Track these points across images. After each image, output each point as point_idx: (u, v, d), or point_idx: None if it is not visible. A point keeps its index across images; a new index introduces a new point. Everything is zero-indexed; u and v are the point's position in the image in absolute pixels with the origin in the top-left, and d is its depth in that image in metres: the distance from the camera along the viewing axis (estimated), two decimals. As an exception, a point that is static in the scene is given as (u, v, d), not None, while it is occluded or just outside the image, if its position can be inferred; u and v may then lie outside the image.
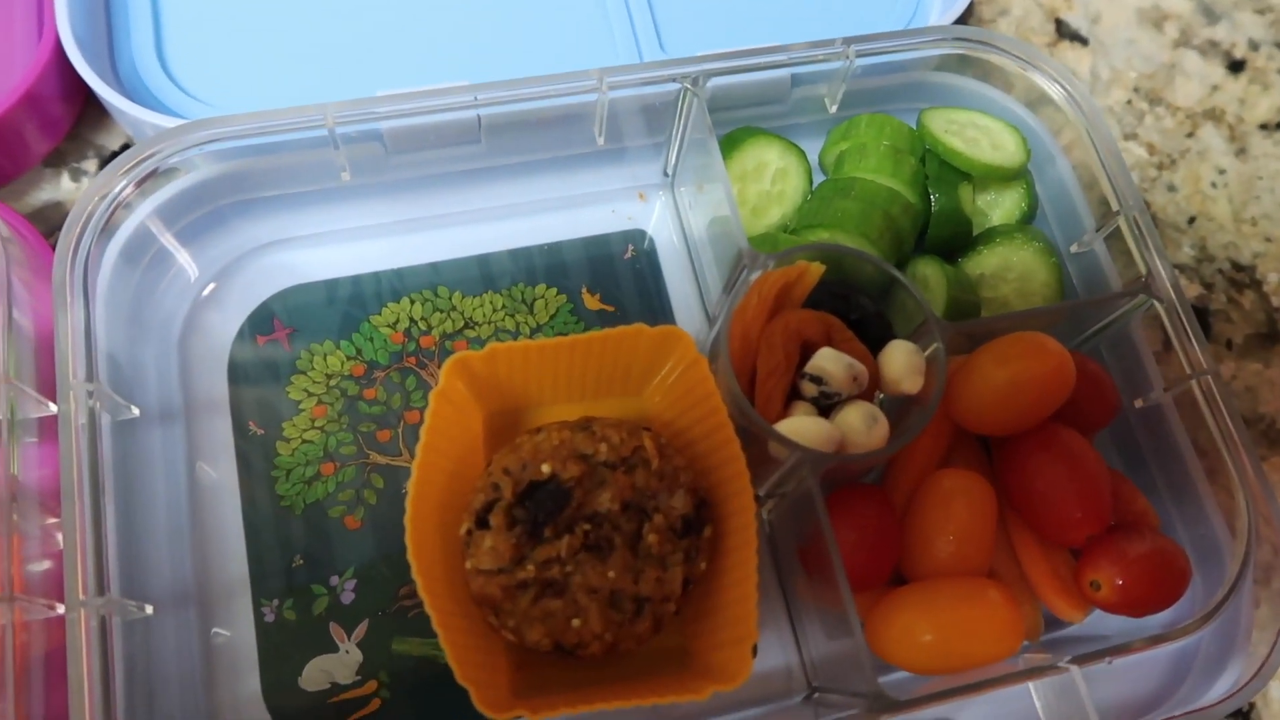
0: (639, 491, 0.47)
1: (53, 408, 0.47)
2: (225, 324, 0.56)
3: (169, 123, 0.55)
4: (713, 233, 0.56)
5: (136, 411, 0.48)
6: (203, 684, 0.48)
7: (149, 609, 0.45)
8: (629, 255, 0.61)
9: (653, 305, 0.60)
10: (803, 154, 0.60)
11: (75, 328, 0.45)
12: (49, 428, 0.47)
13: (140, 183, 0.48)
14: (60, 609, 0.44)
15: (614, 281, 0.60)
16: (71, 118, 0.60)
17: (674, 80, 0.55)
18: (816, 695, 0.50)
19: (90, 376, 0.44)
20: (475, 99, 0.54)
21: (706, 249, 0.58)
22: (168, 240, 0.52)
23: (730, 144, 0.59)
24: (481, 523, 0.46)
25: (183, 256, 0.54)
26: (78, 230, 0.46)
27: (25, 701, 0.39)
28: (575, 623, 0.45)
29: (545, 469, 0.47)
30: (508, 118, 0.56)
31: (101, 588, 0.41)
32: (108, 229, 0.48)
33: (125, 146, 0.61)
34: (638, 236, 0.61)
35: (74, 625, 0.40)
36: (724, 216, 0.53)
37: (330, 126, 0.51)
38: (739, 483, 0.47)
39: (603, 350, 0.51)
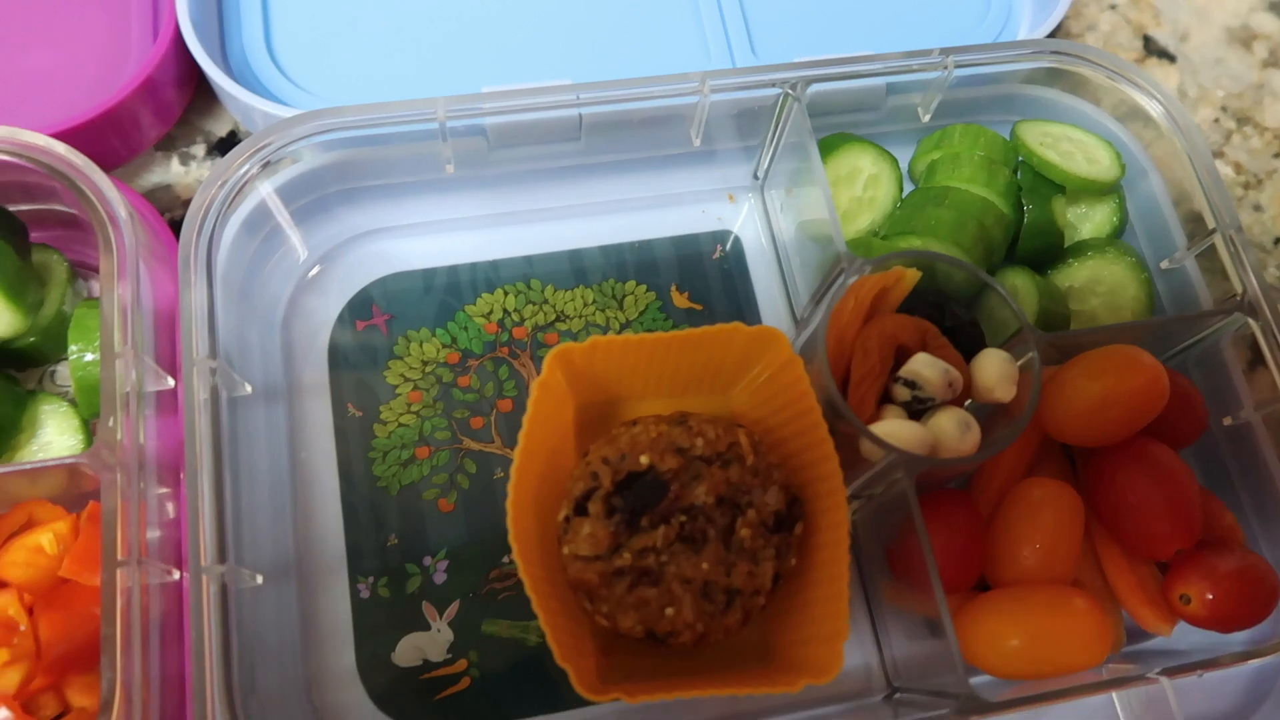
0: (733, 486, 0.48)
1: (170, 382, 0.49)
2: (326, 308, 0.58)
3: (280, 110, 0.57)
4: (806, 236, 0.57)
5: (249, 389, 0.50)
6: (301, 655, 0.50)
7: (259, 579, 0.46)
8: (717, 255, 0.62)
9: (739, 305, 0.61)
10: (895, 161, 0.60)
11: (199, 306, 0.46)
12: (165, 401, 0.49)
13: (263, 167, 0.50)
14: (175, 574, 0.46)
15: (702, 280, 0.61)
16: (183, 104, 0.62)
17: (774, 85, 0.56)
18: (898, 695, 0.51)
19: (212, 353, 0.46)
20: (578, 98, 0.55)
21: (797, 252, 0.59)
22: (284, 220, 0.54)
23: (824, 149, 0.60)
24: (580, 510, 0.47)
25: (294, 238, 0.56)
26: (203, 211, 0.48)
27: (146, 662, 0.41)
28: (669, 611, 0.46)
29: (644, 460, 0.48)
30: (608, 117, 0.57)
31: (222, 555, 0.43)
32: (226, 212, 0.49)
33: (232, 133, 0.63)
34: (726, 237, 0.62)
35: (198, 589, 0.42)
36: (820, 220, 0.54)
37: (441, 120, 0.52)
38: (831, 482, 0.48)
39: (698, 347, 0.51)
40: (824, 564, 0.48)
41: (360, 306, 0.58)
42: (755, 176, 0.63)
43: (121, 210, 0.48)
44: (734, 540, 0.48)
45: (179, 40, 0.58)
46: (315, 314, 0.57)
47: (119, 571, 0.42)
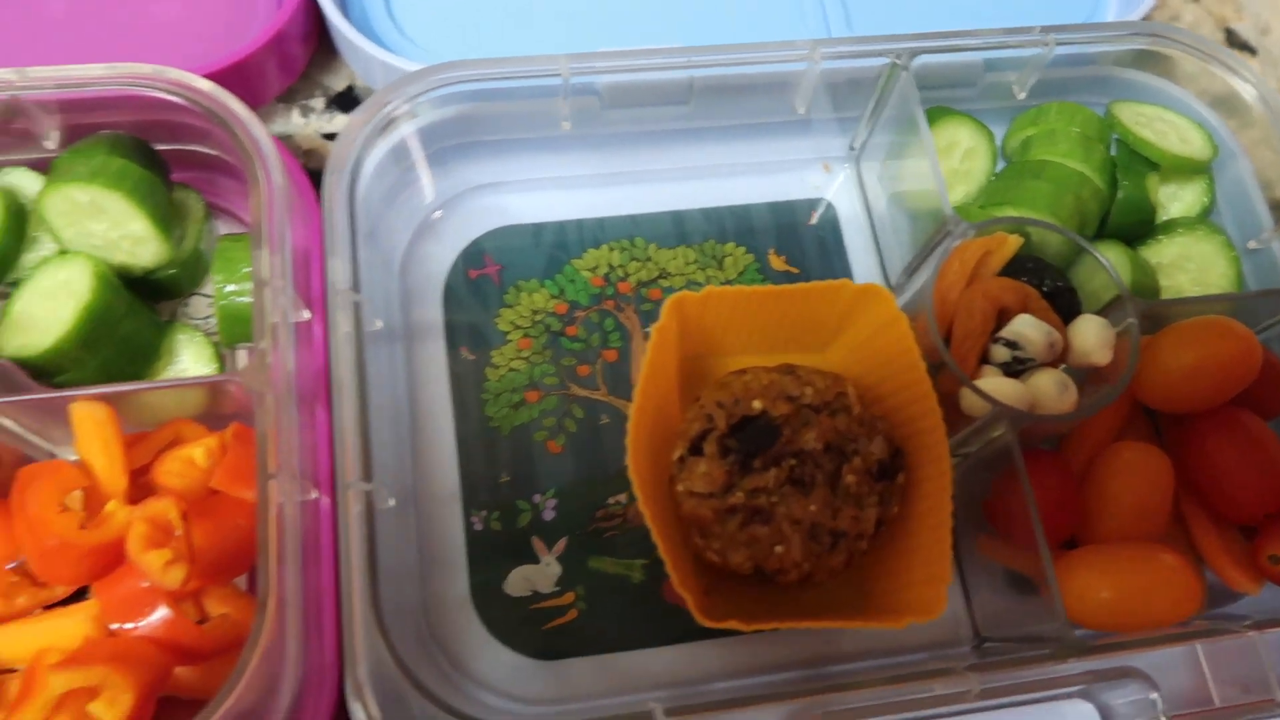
0: (840, 434, 0.50)
1: (305, 314, 0.51)
2: (441, 256, 0.60)
3: (405, 64, 0.59)
4: (908, 203, 0.59)
5: (380, 325, 0.52)
6: (419, 580, 0.52)
7: (392, 501, 0.49)
8: (813, 221, 0.64)
9: (834, 269, 0.63)
10: (991, 135, 0.62)
11: (342, 243, 0.49)
12: (300, 333, 0.51)
13: (391, 119, 0.52)
14: (314, 494, 0.48)
15: (798, 245, 0.63)
16: (306, 59, 0.64)
17: (882, 55, 0.58)
18: (987, 644, 0.53)
19: (355, 286, 0.49)
20: (691, 60, 0.57)
21: (895, 219, 0.61)
22: (420, 161, 0.56)
23: (911, 122, 0.61)
24: (695, 449, 0.50)
25: (424, 182, 0.58)
26: (349, 152, 0.50)
27: (293, 573, 0.44)
28: (778, 549, 0.49)
29: (757, 405, 0.50)
30: (717, 81, 0.59)
31: (367, 474, 0.45)
32: (364, 155, 0.52)
33: (350, 88, 0.66)
34: (820, 204, 0.64)
35: (344, 505, 0.44)
36: (925, 188, 0.56)
37: (565, 76, 0.55)
38: (935, 435, 0.50)
39: (805, 301, 0.54)
40: (925, 513, 0.50)
41: (473, 256, 0.60)
42: (851, 147, 0.65)
43: (270, 149, 0.50)
44: (840, 486, 0.50)
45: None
46: (431, 260, 0.60)
47: (270, 483, 0.44)
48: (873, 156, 0.63)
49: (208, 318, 0.57)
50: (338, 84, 0.66)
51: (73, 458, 0.50)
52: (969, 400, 0.51)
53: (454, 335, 0.58)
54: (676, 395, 0.55)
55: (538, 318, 0.59)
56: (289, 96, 0.65)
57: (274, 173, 0.50)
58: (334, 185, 0.50)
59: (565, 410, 0.58)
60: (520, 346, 0.59)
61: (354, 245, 0.49)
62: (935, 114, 0.62)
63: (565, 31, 0.66)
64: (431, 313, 0.59)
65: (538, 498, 0.55)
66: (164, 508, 0.44)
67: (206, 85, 0.51)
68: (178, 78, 0.51)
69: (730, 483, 0.49)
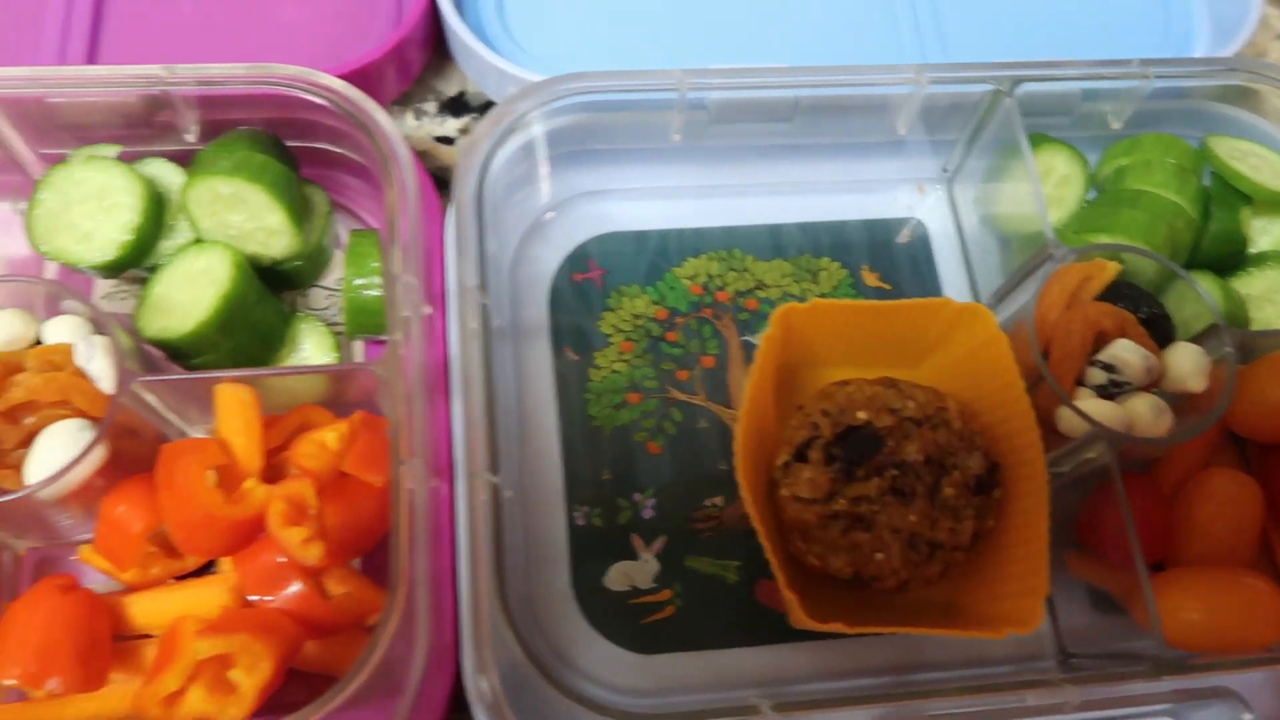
0: (940, 448, 0.52)
1: (427, 309, 0.53)
2: (548, 258, 0.62)
3: (522, 73, 0.62)
4: (1005, 226, 0.61)
5: (498, 322, 0.54)
6: (524, 570, 0.54)
7: (509, 493, 0.51)
8: (905, 240, 0.66)
9: (925, 286, 0.64)
10: (1085, 163, 0.64)
11: (471, 243, 0.51)
12: (424, 327, 0.53)
13: (513, 123, 0.55)
14: (435, 482, 0.50)
15: (891, 262, 0.65)
16: (422, 65, 0.67)
17: (986, 82, 0.59)
18: (1073, 660, 0.55)
19: (482, 284, 0.51)
20: (799, 80, 0.59)
21: (984, 241, 0.63)
22: (538, 168, 0.59)
23: (1011, 148, 0.63)
24: (800, 456, 0.52)
25: (536, 188, 0.60)
26: (479, 156, 0.53)
27: (422, 556, 0.46)
28: (878, 556, 0.50)
29: (861, 416, 0.52)
30: (822, 100, 0.61)
31: (493, 466, 0.47)
32: (491, 159, 0.54)
33: (461, 93, 0.68)
34: (913, 224, 0.66)
35: (472, 494, 0.46)
36: (1026, 214, 0.57)
37: (682, 91, 0.57)
38: (1032, 452, 0.52)
39: (906, 317, 0.55)
40: (1020, 527, 0.52)
41: (578, 260, 0.62)
42: (944, 169, 0.67)
43: (403, 149, 0.52)
44: (939, 498, 0.51)
45: (431, 5, 0.63)
46: (539, 262, 0.62)
47: (402, 469, 0.46)
48: (967, 179, 0.65)
49: (326, 308, 0.59)
50: (449, 89, 0.68)
51: (198, 435, 0.53)
52: (1066, 420, 0.53)
53: (559, 335, 0.60)
54: (773, 402, 0.57)
55: (639, 322, 0.61)
56: (403, 100, 0.67)
57: (407, 173, 0.52)
58: (463, 187, 0.52)
59: (665, 413, 0.59)
60: (622, 349, 0.61)
61: (481, 246, 0.51)
62: (1032, 140, 0.63)
63: (663, 43, 0.68)
64: (538, 313, 0.61)
65: (637, 496, 0.57)
66: (302, 488, 0.46)
67: (347, 88, 0.53)
68: (320, 79, 0.53)
69: (833, 490, 0.51)
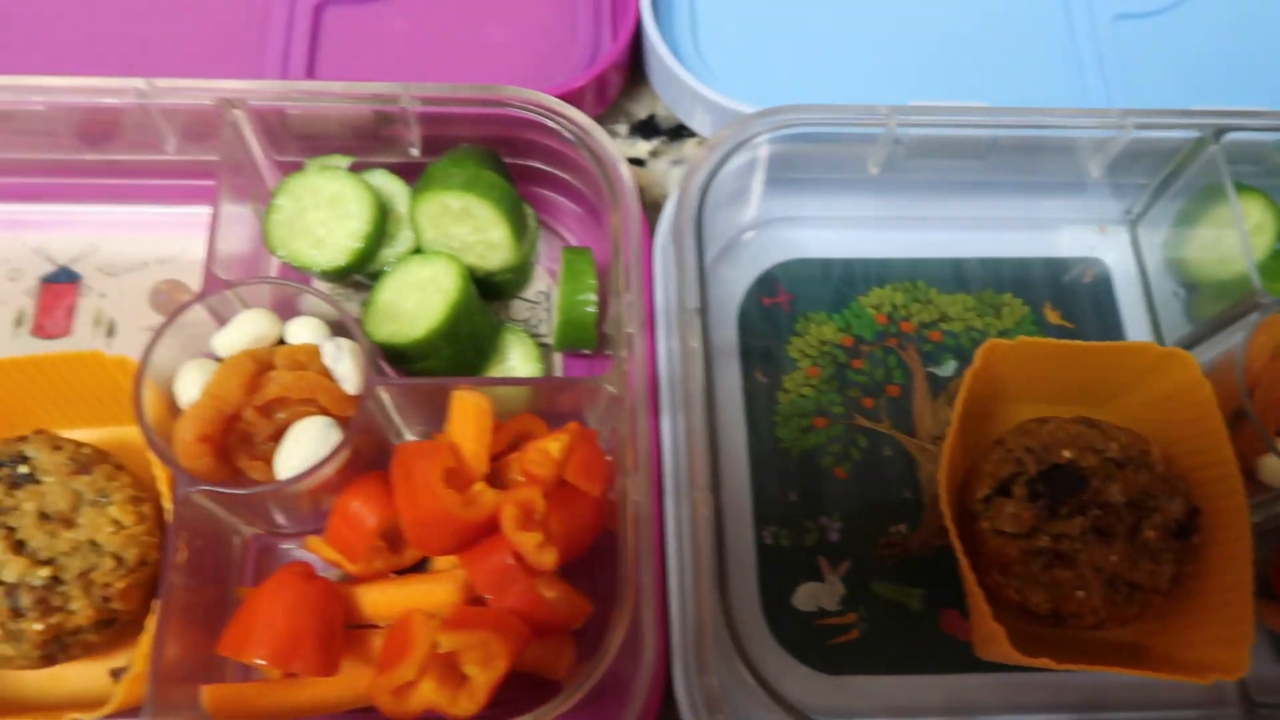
0: (1142, 490, 0.52)
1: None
2: (738, 281, 0.64)
3: (724, 101, 0.64)
4: (1197, 272, 0.61)
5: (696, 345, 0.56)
6: (716, 584, 0.56)
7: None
8: (1088, 280, 0.66)
9: (1107, 327, 0.65)
10: (1278, 211, 0.64)
11: (691, 266, 0.53)
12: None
13: (731, 152, 0.56)
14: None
15: (1073, 301, 0.65)
16: (620, 88, 0.69)
17: (1192, 129, 0.60)
18: (1260, 710, 0.55)
19: (701, 307, 0.52)
20: (999, 120, 0.60)
21: (1171, 285, 0.63)
22: (742, 194, 0.60)
23: (1210, 195, 0.63)
24: (1003, 490, 0.52)
25: (735, 213, 0.62)
26: (702, 179, 0.55)
27: (644, 565, 0.47)
28: (1079, 594, 0.51)
29: (1066, 454, 0.52)
30: (1019, 140, 0.62)
31: (714, 482, 0.49)
32: (708, 186, 0.56)
33: (651, 116, 0.70)
34: (1095, 264, 0.67)
35: (696, 508, 0.48)
36: (1225, 260, 0.58)
37: (890, 128, 0.58)
38: (1234, 500, 0.52)
39: (1107, 359, 0.56)
40: (1220, 573, 0.52)
41: (766, 284, 0.64)
42: (1128, 212, 0.67)
43: (628, 173, 0.54)
44: (1139, 539, 0.52)
45: (637, 31, 0.65)
46: (728, 284, 0.64)
47: (628, 481, 0.48)
48: (1155, 223, 0.65)
49: (526, 319, 0.62)
50: (640, 111, 0.70)
51: (412, 438, 0.55)
52: (1269, 469, 0.53)
53: (748, 358, 0.62)
54: (947, 438, 0.58)
55: (825, 348, 0.63)
56: (597, 121, 0.69)
57: (631, 197, 0.54)
58: (685, 210, 0.54)
59: (850, 439, 0.61)
60: (809, 374, 0.62)
61: (702, 269, 0.53)
62: (1219, 186, 0.63)
63: (845, 74, 0.69)
64: (728, 334, 0.62)
65: (824, 519, 0.59)
66: (533, 494, 0.49)
67: (575, 112, 0.55)
68: (549, 102, 0.55)
69: (1036, 525, 0.52)
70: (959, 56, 0.71)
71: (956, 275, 0.66)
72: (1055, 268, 0.67)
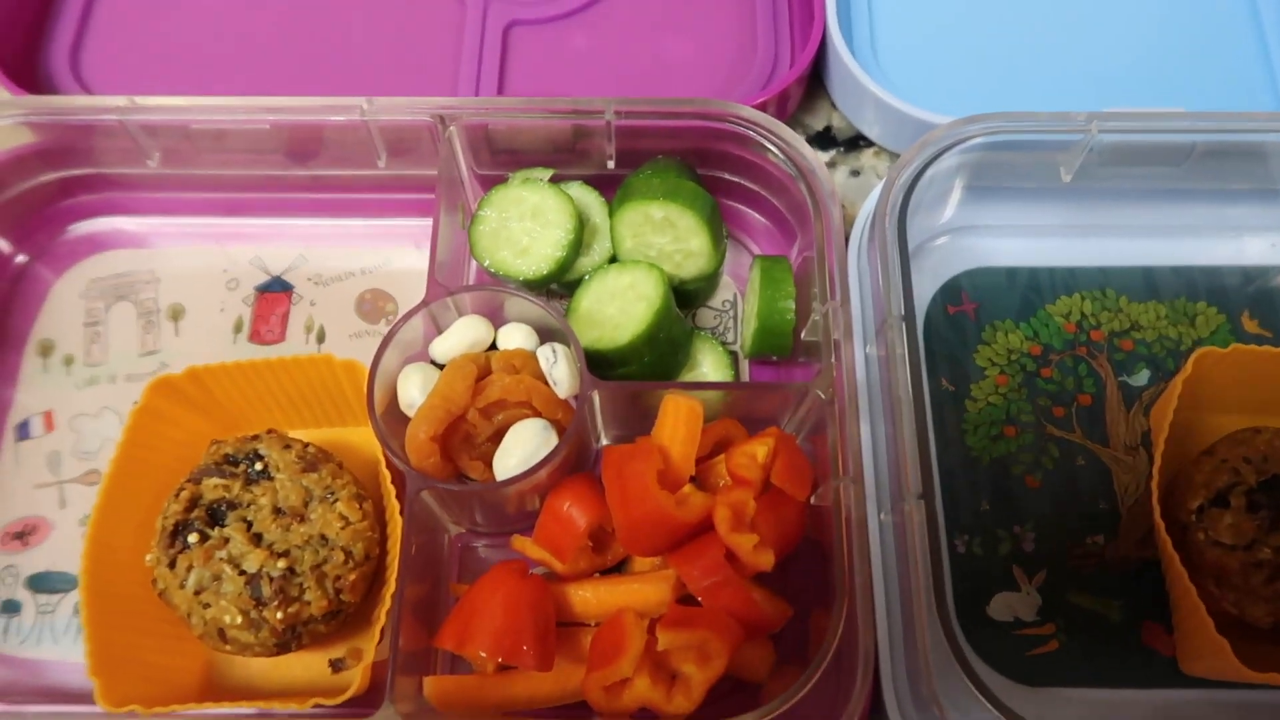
0: (1367, 503, 0.51)
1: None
2: (923, 289, 0.64)
3: (910, 110, 0.64)
4: None
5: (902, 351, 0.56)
6: (933, 593, 0.55)
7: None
8: (1286, 288, 0.64)
9: (1310, 338, 0.63)
10: None
11: (895, 274, 0.53)
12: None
13: (936, 156, 0.57)
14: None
15: (1272, 310, 0.64)
16: (799, 100, 0.70)
17: None
18: None
19: (907, 314, 0.53)
20: (1200, 125, 0.59)
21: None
22: (938, 202, 0.60)
23: None
24: (1220, 501, 0.51)
25: (925, 221, 0.62)
26: (902, 189, 0.55)
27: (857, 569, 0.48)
28: (1304, 608, 0.49)
29: (1286, 465, 0.51)
30: (1219, 146, 0.60)
31: (929, 491, 0.49)
32: (908, 194, 0.56)
33: (828, 128, 0.71)
34: (1298, 273, 0.65)
35: (909, 516, 0.48)
36: None
37: (1091, 134, 0.58)
38: None
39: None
40: None
41: (951, 292, 0.64)
42: (1329, 217, 0.65)
43: (829, 182, 0.55)
44: (1364, 552, 0.50)
45: (820, 48, 0.66)
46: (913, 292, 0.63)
47: (840, 487, 0.49)
48: (1359, 229, 0.63)
49: (714, 327, 0.63)
50: (816, 124, 0.71)
51: (608, 442, 0.56)
52: None
53: (934, 366, 0.62)
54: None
55: (1013, 357, 0.62)
56: (777, 134, 0.70)
57: (834, 206, 0.55)
58: (887, 220, 0.54)
59: (1042, 448, 0.60)
60: (998, 383, 0.62)
61: (906, 277, 0.53)
62: None
63: (1024, 84, 0.69)
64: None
65: (1017, 528, 0.58)
66: (744, 496, 0.49)
67: (774, 121, 0.56)
68: (750, 115, 0.57)
69: (1256, 537, 0.50)
70: (1139, 62, 0.71)
71: (1147, 283, 0.64)
72: (1250, 275, 0.65)
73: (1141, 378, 0.62)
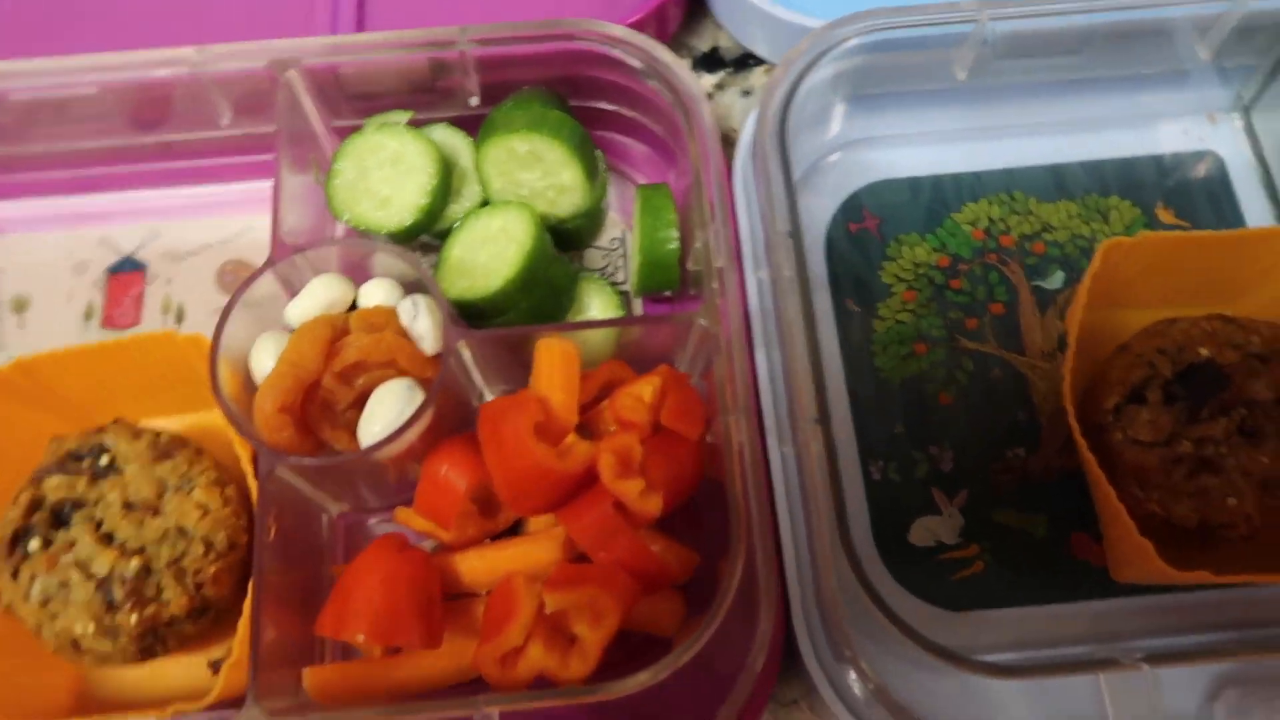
0: (1290, 385, 0.48)
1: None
2: (821, 209, 0.60)
3: (795, 18, 0.60)
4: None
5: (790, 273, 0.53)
6: (835, 522, 0.52)
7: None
8: (1200, 175, 0.61)
9: (1228, 222, 0.60)
10: None
11: (779, 189, 0.50)
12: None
13: (811, 64, 0.53)
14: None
15: (1188, 198, 0.61)
16: (678, 21, 0.65)
17: (1309, -6, 0.54)
18: None
19: (793, 232, 0.49)
20: (1103, 4, 0.55)
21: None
22: (817, 117, 0.57)
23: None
24: (1136, 397, 0.48)
25: (809, 139, 0.58)
26: (779, 100, 0.51)
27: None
28: (1231, 501, 0.47)
29: (1203, 352, 0.48)
30: (1117, 28, 0.57)
31: (824, 414, 0.46)
32: (785, 108, 0.52)
33: (714, 49, 0.67)
34: (1207, 157, 0.62)
35: (806, 442, 0.45)
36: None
37: (981, 22, 0.54)
38: (1395, 388, 0.47)
39: (1235, 250, 0.52)
40: (1385, 469, 0.47)
41: (852, 209, 0.60)
42: (1239, 97, 0.62)
43: (703, 100, 0.51)
44: (1291, 438, 0.47)
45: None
46: (811, 213, 0.60)
47: (730, 421, 0.45)
48: (1272, 106, 0.60)
49: (603, 268, 0.59)
50: (702, 45, 0.67)
51: (495, 394, 0.53)
52: None
53: (838, 287, 0.59)
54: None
55: (920, 270, 0.59)
56: (658, 59, 0.66)
57: (709, 122, 0.51)
58: (765, 131, 0.51)
59: (955, 363, 0.57)
60: (905, 299, 0.58)
61: (790, 191, 0.50)
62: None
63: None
64: (815, 264, 0.59)
65: (934, 449, 0.55)
66: (629, 441, 0.46)
67: (644, 39, 0.52)
68: (614, 31, 0.53)
69: (1175, 431, 0.48)
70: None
71: (1056, 182, 0.61)
72: (1164, 165, 0.62)
73: (1056, 280, 0.59)
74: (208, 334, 0.48)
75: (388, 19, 0.64)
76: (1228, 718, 0.47)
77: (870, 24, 0.53)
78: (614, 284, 0.58)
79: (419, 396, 0.46)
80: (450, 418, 0.50)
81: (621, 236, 0.60)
